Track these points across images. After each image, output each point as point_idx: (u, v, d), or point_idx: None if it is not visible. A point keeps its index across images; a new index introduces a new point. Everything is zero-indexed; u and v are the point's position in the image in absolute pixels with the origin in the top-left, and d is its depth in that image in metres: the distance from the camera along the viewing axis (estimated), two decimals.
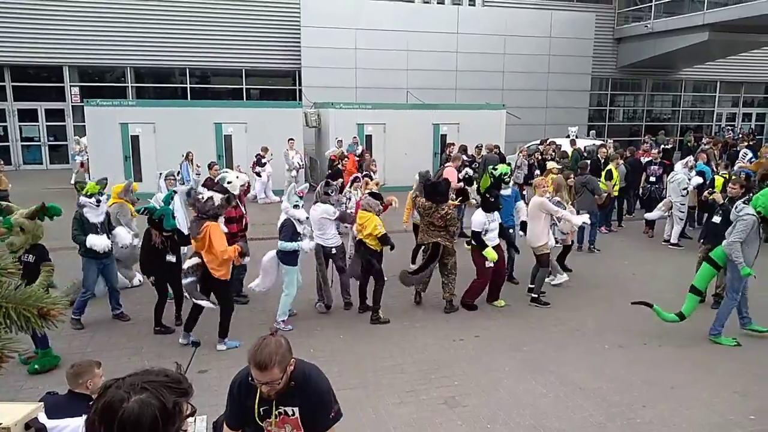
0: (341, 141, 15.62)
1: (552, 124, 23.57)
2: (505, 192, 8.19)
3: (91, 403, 1.47)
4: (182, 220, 7.43)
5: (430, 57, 22.33)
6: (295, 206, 6.62)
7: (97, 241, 6.49)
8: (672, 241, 10.83)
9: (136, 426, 1.36)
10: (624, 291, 8.31)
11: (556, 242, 8.52)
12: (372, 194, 7.34)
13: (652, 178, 11.80)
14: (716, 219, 7.45)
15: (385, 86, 21.49)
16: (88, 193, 6.57)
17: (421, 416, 4.88)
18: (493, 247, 7.24)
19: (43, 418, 2.50)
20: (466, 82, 22.91)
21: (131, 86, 21.69)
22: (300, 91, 22.06)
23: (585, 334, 6.74)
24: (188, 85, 22.34)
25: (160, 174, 8.10)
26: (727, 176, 9.98)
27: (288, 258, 6.68)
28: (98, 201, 6.60)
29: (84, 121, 16.14)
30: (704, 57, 26.06)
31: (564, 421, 4.83)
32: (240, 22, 21.60)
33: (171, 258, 6.51)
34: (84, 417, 1.48)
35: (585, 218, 8.32)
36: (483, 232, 7.19)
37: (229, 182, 6.98)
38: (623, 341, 6.52)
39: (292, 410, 2.72)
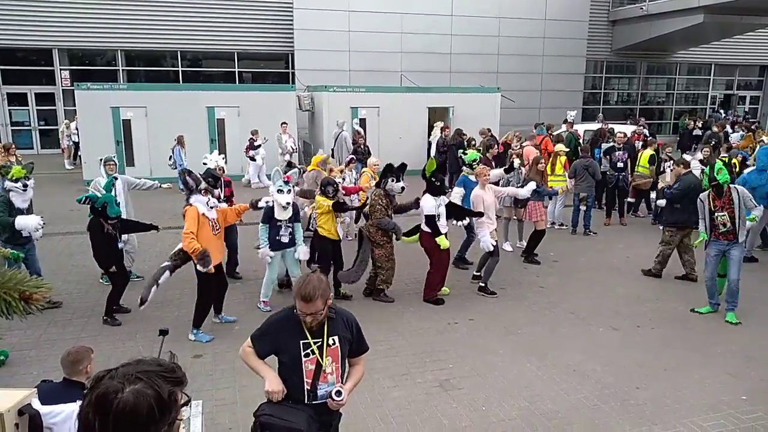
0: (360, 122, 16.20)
1: (547, 108, 23.49)
2: (472, 177, 8.12)
3: (85, 391, 1.44)
4: (126, 207, 7.35)
5: (424, 40, 22.15)
6: (279, 191, 6.44)
7: (28, 221, 6.33)
8: None
9: (133, 417, 1.34)
10: (618, 274, 8.36)
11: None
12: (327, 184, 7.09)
13: (620, 165, 10.94)
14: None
15: (379, 69, 21.31)
16: (14, 178, 6.43)
17: (416, 399, 4.91)
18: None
19: (36, 404, 2.49)
20: (461, 65, 22.74)
21: (122, 69, 21.44)
22: (293, 74, 21.87)
23: (579, 316, 6.78)
24: (180, 69, 22.09)
25: (101, 160, 7.64)
26: (726, 159, 9.97)
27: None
28: (24, 186, 6.46)
29: (74, 105, 15.98)
30: (699, 39, 25.97)
31: (558, 402, 4.87)
32: (232, 4, 21.30)
33: (120, 245, 6.51)
34: (78, 402, 1.45)
35: (531, 186, 8.11)
36: (437, 217, 6.98)
37: (204, 163, 7.15)
38: (617, 324, 6.56)
39: (333, 340, 2.99)
